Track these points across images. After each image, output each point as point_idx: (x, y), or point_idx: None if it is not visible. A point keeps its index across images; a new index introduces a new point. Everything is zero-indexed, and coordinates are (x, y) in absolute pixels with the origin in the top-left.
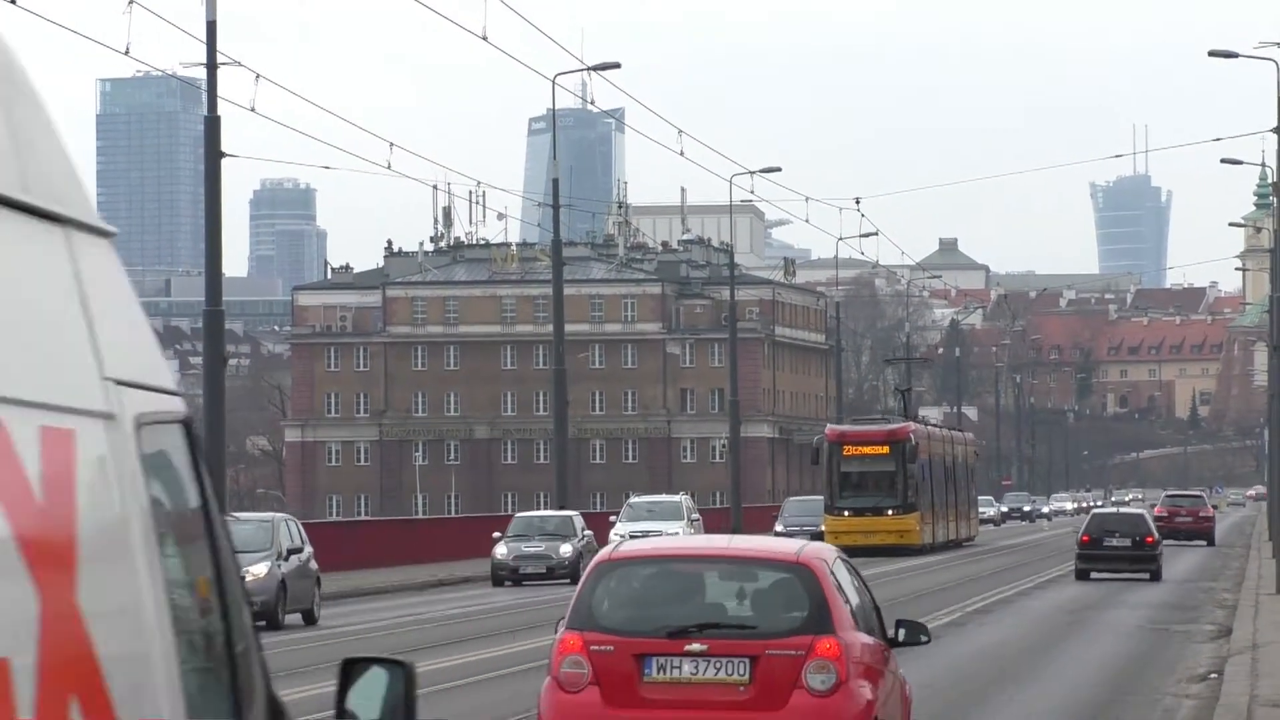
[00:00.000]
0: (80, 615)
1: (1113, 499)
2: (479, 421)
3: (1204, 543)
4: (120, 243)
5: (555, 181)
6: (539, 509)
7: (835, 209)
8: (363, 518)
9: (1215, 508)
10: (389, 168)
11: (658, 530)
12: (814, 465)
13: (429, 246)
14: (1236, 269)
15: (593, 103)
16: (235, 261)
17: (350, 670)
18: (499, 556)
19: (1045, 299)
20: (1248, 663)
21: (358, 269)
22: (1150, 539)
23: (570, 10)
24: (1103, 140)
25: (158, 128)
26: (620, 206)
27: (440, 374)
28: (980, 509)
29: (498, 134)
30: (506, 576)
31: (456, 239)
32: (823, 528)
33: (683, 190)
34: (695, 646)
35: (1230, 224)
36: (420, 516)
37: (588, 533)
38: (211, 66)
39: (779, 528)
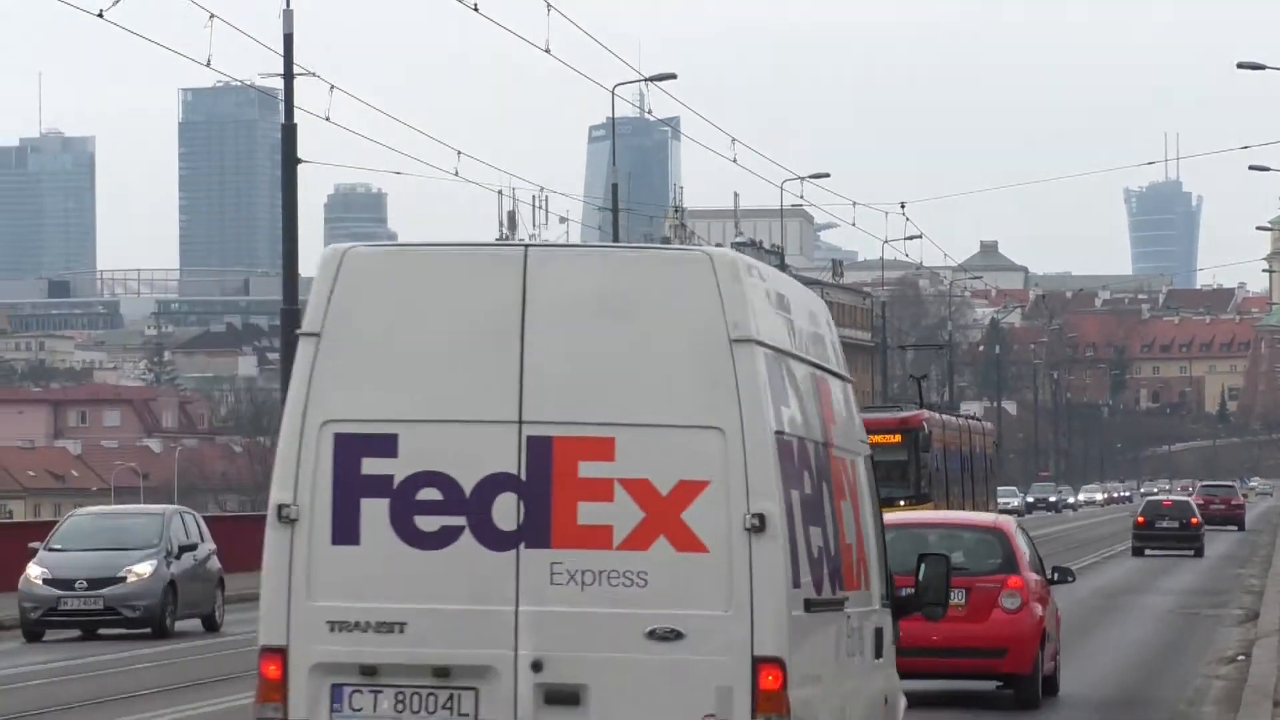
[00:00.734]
0: (870, 527)
1: (1141, 490)
2: None
3: (1235, 528)
4: (200, 244)
5: (614, 187)
6: None
7: (881, 213)
8: None
9: (1245, 496)
10: (456, 174)
11: None
12: None
13: None
14: (1264, 270)
15: (650, 112)
16: (311, 262)
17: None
18: None
19: (1081, 299)
20: (1274, 645)
21: None
22: (1195, 521)
23: (628, 23)
24: (1136, 147)
25: (237, 135)
26: (676, 210)
27: None
28: (1003, 499)
29: (560, 141)
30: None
31: (522, 240)
32: None
33: (735, 195)
34: None
35: (1258, 228)
36: None
37: None
38: (288, 77)
39: None
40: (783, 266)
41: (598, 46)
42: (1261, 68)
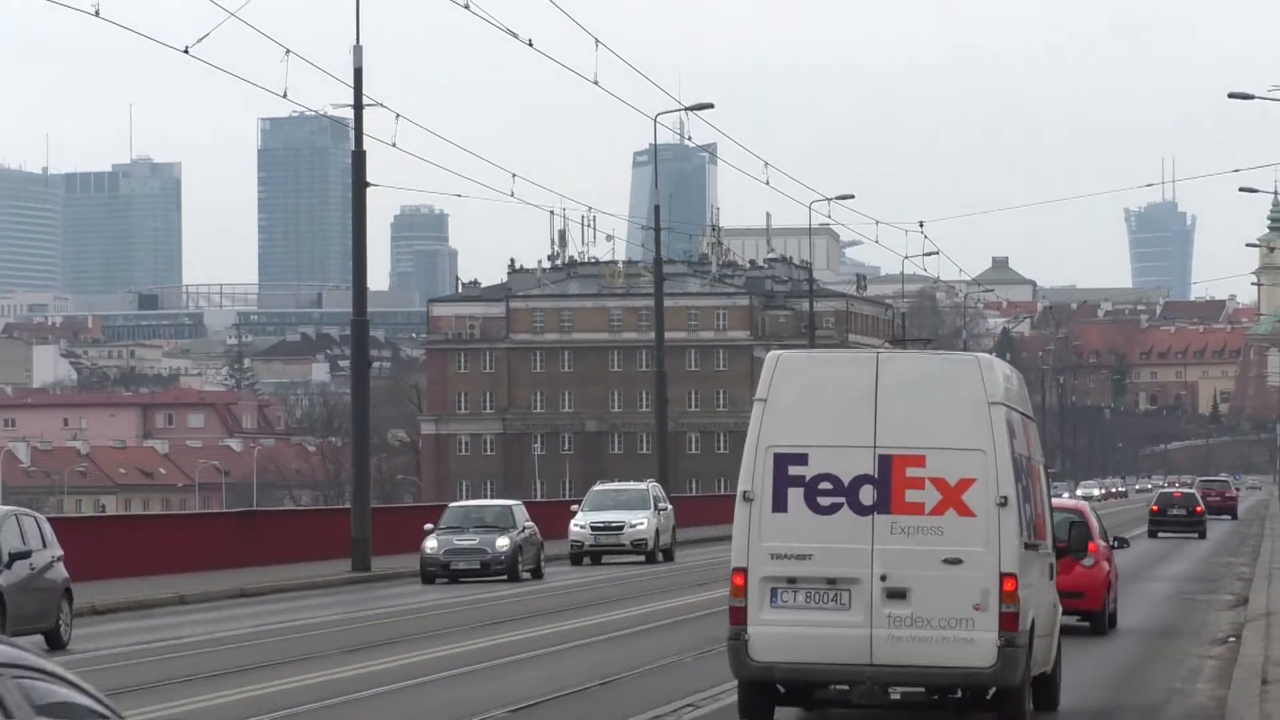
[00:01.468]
0: (1045, 505)
1: (1135, 486)
2: (589, 417)
3: (1229, 517)
4: (277, 261)
5: (656, 208)
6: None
7: (901, 231)
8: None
9: (1238, 490)
10: (512, 195)
11: (619, 521)
12: None
13: (546, 264)
14: (1252, 284)
15: (689, 139)
16: (378, 277)
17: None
18: (428, 551)
19: (1085, 310)
20: (1262, 628)
21: (485, 284)
22: (1199, 509)
23: (669, 55)
24: (1135, 171)
25: (311, 161)
26: (713, 229)
27: (556, 375)
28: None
29: (606, 166)
30: (438, 573)
31: (570, 257)
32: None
33: (768, 215)
34: None
35: (1247, 244)
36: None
37: (529, 525)
38: (358, 108)
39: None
40: (811, 281)
41: (641, 78)
42: (1250, 97)
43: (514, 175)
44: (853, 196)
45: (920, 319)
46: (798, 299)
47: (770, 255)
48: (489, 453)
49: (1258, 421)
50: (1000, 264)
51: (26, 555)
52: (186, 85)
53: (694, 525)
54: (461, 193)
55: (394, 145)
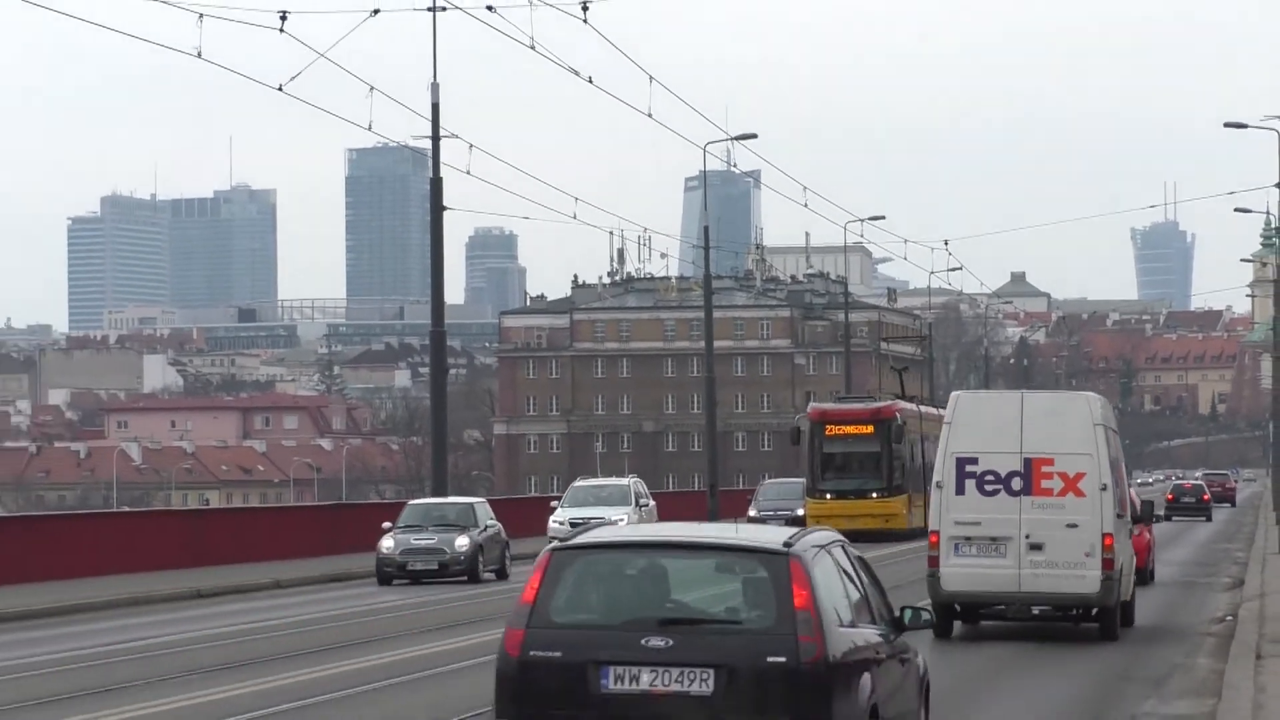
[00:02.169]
0: (1124, 489)
1: (1139, 480)
2: (646, 418)
3: (1229, 504)
4: (362, 278)
5: (706, 228)
6: (695, 488)
7: (928, 248)
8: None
9: (1236, 482)
10: (575, 217)
11: (600, 517)
12: (795, 446)
13: (606, 280)
14: (1247, 295)
15: (735, 165)
16: (454, 292)
17: None
18: (384, 551)
19: (1095, 320)
20: (1257, 608)
21: (551, 298)
22: (1206, 497)
23: (717, 87)
24: (1140, 193)
25: (393, 187)
26: (757, 248)
27: (616, 380)
28: None
29: (660, 190)
30: (394, 574)
31: (628, 273)
32: (801, 511)
33: (806, 234)
34: None
35: (1242, 260)
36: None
37: (492, 524)
38: (435, 139)
39: (753, 512)
40: (846, 294)
41: (691, 111)
42: (1244, 126)
43: (576, 199)
44: (884, 217)
45: (946, 329)
46: (834, 310)
47: (809, 271)
48: (555, 451)
49: (1252, 420)
50: (1018, 278)
51: None
52: (281, 119)
53: (729, 518)
54: (529, 215)
55: (468, 172)
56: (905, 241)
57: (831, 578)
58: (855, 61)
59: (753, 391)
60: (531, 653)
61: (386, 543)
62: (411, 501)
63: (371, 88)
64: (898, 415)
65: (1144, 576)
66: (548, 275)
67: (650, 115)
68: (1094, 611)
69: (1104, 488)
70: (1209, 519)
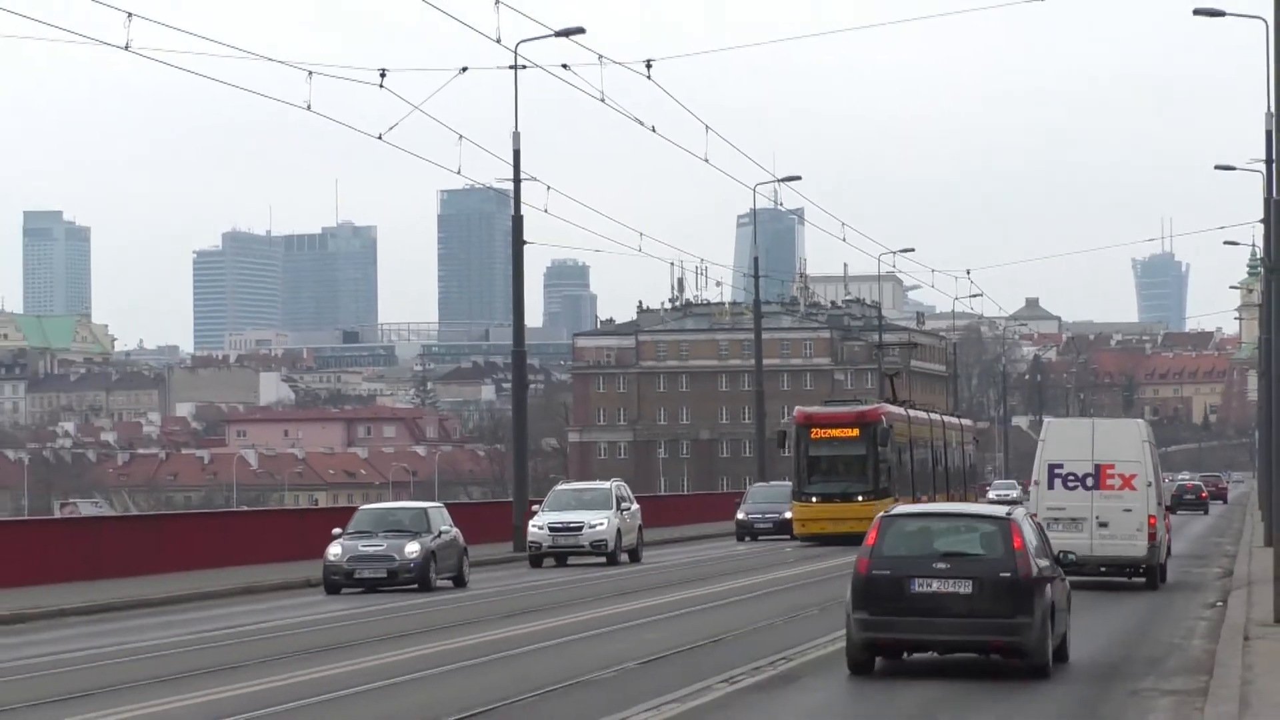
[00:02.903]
0: (1162, 485)
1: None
2: (703, 427)
3: (1222, 501)
4: (452, 304)
5: (756, 259)
6: (752, 486)
7: (952, 277)
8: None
9: (1227, 482)
10: (640, 250)
11: (578, 522)
12: (781, 450)
13: (668, 305)
14: (1235, 318)
15: (781, 204)
16: (533, 316)
17: None
18: (331, 558)
19: (1100, 340)
20: (1244, 595)
21: (618, 321)
22: (1204, 495)
23: (765, 135)
24: (1140, 228)
25: (480, 224)
26: (801, 276)
27: (675, 394)
28: (1004, 491)
29: (715, 225)
30: (342, 582)
31: (687, 300)
32: (789, 514)
33: (845, 265)
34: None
35: (1231, 287)
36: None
37: (447, 529)
38: (516, 181)
39: (741, 515)
40: (880, 318)
41: (742, 156)
42: (1232, 169)
43: (641, 234)
44: (913, 250)
45: (968, 348)
46: (869, 332)
47: (847, 297)
48: (622, 456)
49: (1240, 429)
50: (1032, 303)
51: None
52: (381, 164)
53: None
54: (600, 248)
55: (545, 210)
56: (932, 271)
57: (1030, 532)
58: (890, 114)
59: (797, 404)
60: (873, 571)
61: (334, 549)
62: (363, 506)
63: (460, 136)
64: (883, 419)
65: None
66: (616, 301)
67: (706, 160)
68: (1142, 569)
69: (1149, 484)
70: (1206, 512)
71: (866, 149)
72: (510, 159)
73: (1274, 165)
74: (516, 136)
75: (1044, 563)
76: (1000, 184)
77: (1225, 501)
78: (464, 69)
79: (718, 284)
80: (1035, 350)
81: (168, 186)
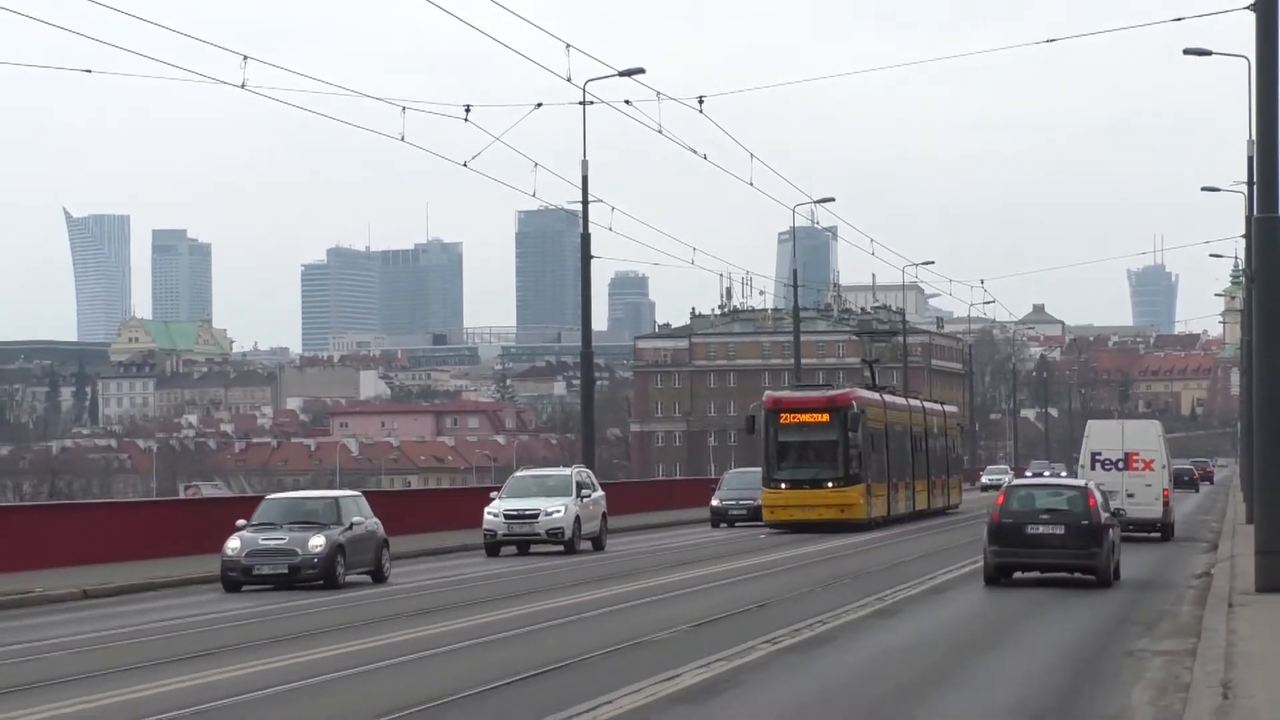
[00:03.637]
0: (1171, 466)
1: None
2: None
3: (1209, 482)
4: (529, 310)
5: (795, 271)
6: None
7: (968, 286)
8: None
9: (1214, 467)
10: (693, 262)
11: (534, 509)
12: (750, 435)
13: (717, 311)
14: (1220, 322)
15: (817, 222)
16: (599, 321)
17: None
18: (229, 553)
19: (1099, 341)
20: (1229, 567)
21: (674, 325)
22: (1195, 476)
23: (801, 157)
24: (1135, 242)
25: (552, 240)
26: (834, 286)
27: (724, 390)
28: (995, 476)
29: (758, 241)
30: (240, 579)
31: (734, 306)
32: (759, 501)
33: (873, 275)
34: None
35: (1215, 295)
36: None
37: (360, 520)
38: (584, 204)
39: (715, 501)
40: (904, 322)
41: (782, 180)
42: (1217, 190)
43: (694, 249)
44: (933, 262)
45: (982, 349)
46: (894, 335)
47: (875, 304)
48: (677, 445)
49: (1224, 420)
50: (1038, 309)
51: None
52: (465, 187)
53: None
54: (657, 261)
55: (610, 228)
56: (950, 281)
57: (1099, 496)
58: (914, 142)
59: None
60: (1002, 520)
61: (232, 543)
62: (269, 496)
63: (535, 164)
64: (854, 403)
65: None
66: (672, 308)
67: (751, 184)
68: (1158, 527)
69: (1163, 467)
70: (1197, 490)
71: (893, 174)
72: (579, 184)
73: (1254, 187)
74: (584, 164)
75: (1107, 515)
76: (1012, 203)
77: (1211, 483)
78: (539, 105)
79: (761, 293)
80: (1041, 351)
81: (279, 208)
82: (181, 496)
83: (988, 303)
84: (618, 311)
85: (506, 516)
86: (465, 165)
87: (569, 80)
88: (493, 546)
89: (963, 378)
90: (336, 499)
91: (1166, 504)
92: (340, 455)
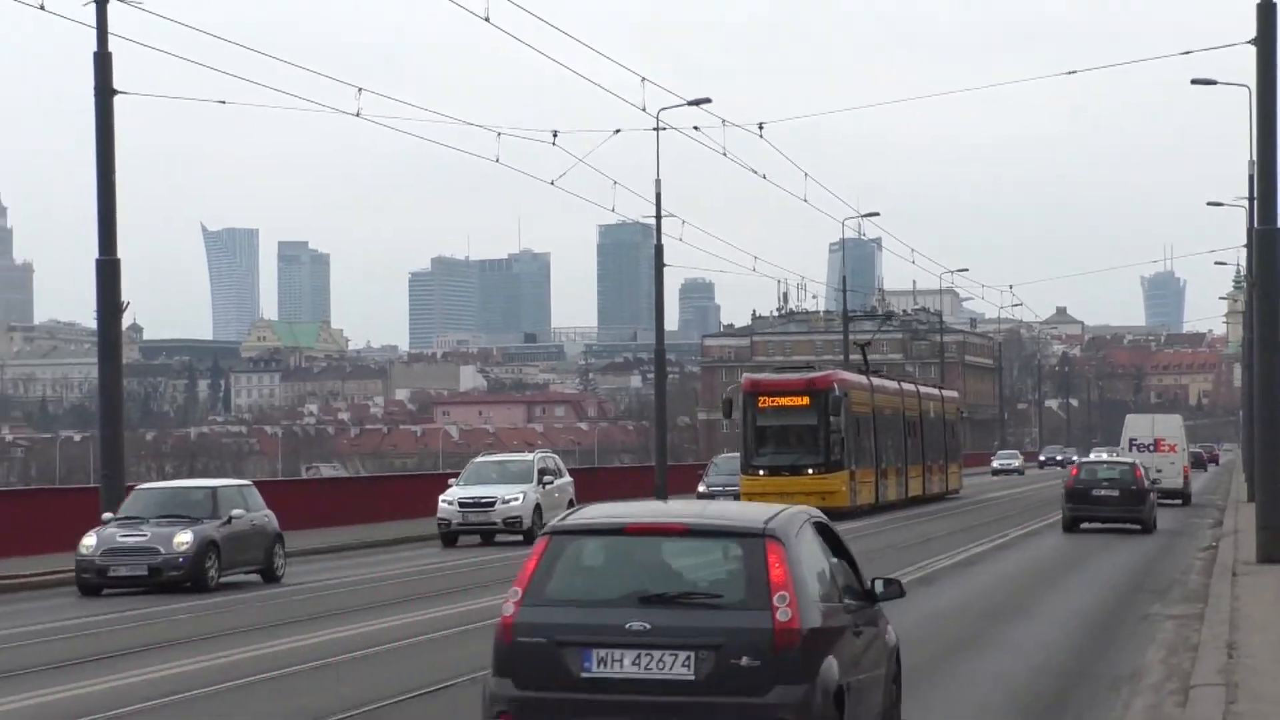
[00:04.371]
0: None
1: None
2: None
3: (1215, 464)
4: (609, 312)
5: (844, 277)
6: None
7: (998, 290)
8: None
9: (1219, 451)
10: (754, 270)
11: (490, 497)
12: (728, 419)
13: (776, 313)
14: (1224, 322)
15: (864, 234)
16: (671, 322)
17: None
18: (84, 551)
19: (1115, 339)
20: (1233, 540)
21: (737, 325)
22: (1205, 459)
23: (853, 175)
24: (1147, 251)
25: (630, 251)
26: (879, 290)
27: None
28: (1005, 461)
29: (812, 250)
30: (94, 580)
31: (790, 309)
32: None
33: (914, 281)
34: None
35: (1220, 298)
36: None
37: (240, 514)
38: (658, 218)
39: (702, 488)
40: (941, 323)
41: (833, 196)
42: (1221, 204)
43: (755, 257)
44: (967, 269)
45: (1010, 347)
46: (933, 334)
47: (916, 307)
48: (738, 430)
49: (1227, 409)
50: (1061, 311)
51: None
52: (553, 203)
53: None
54: (723, 269)
55: (680, 240)
56: (982, 285)
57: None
58: (951, 167)
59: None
60: (1075, 486)
61: (88, 540)
62: (139, 485)
63: (615, 182)
64: (835, 386)
65: (1187, 487)
66: (735, 310)
67: (805, 200)
68: (1180, 495)
69: (1184, 450)
70: (1205, 469)
71: (930, 188)
72: (653, 200)
73: (1255, 202)
74: (658, 183)
75: (1149, 482)
76: (1039, 214)
77: (1217, 464)
78: (617, 130)
79: (814, 297)
80: (1063, 348)
81: (388, 221)
82: (304, 477)
83: (1015, 305)
84: (687, 313)
85: (461, 505)
86: (553, 184)
87: (644, 109)
88: (448, 536)
89: (993, 372)
90: (214, 489)
91: (1186, 478)
92: (443, 440)
